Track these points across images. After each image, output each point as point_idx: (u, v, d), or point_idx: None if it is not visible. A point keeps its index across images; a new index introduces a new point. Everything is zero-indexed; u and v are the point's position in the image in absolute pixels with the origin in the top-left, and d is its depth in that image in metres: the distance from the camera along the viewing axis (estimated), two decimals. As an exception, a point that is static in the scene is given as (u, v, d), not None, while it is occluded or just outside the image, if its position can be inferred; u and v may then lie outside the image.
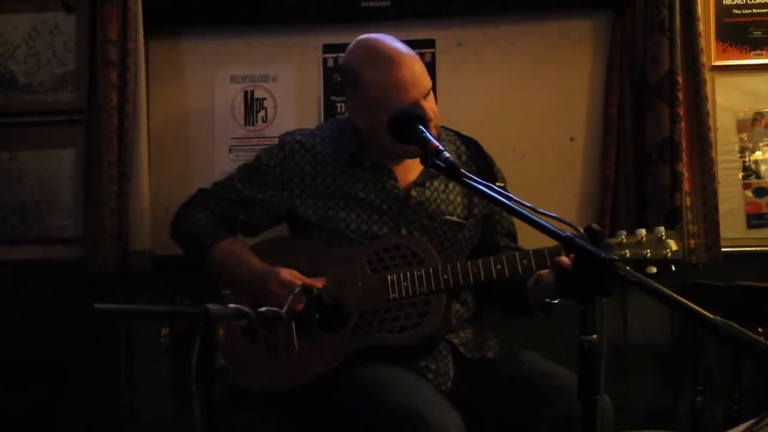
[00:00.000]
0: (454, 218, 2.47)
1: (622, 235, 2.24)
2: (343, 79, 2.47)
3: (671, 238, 2.23)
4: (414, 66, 2.36)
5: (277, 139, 2.58)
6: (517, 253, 2.33)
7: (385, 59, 2.36)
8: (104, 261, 2.85)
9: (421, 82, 2.35)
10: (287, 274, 2.35)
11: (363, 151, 2.45)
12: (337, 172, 2.46)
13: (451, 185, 2.49)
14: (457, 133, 2.61)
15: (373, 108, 2.35)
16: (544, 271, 2.29)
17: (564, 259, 2.18)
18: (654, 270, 2.19)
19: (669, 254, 2.21)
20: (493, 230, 2.56)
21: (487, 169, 2.52)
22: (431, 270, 2.33)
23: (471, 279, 2.32)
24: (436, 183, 2.47)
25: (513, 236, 2.59)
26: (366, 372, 2.25)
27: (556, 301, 2.32)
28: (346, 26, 2.99)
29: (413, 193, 2.44)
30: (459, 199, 2.50)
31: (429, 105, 2.35)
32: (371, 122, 2.38)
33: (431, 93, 2.39)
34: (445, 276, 2.32)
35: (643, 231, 2.24)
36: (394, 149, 2.30)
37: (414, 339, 2.30)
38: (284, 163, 2.49)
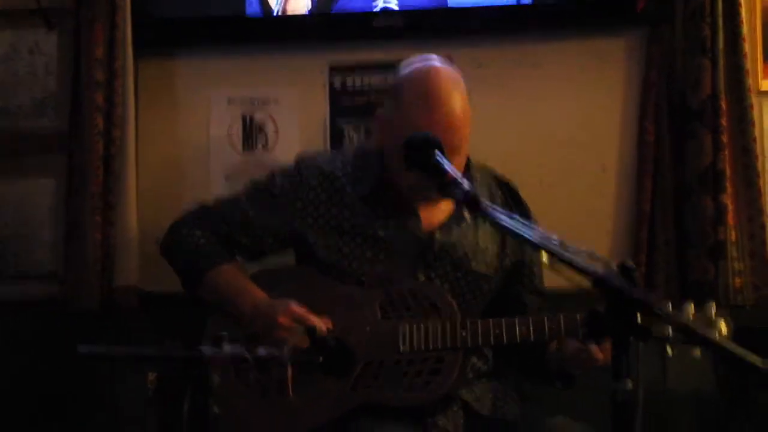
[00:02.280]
0: (482, 269, 2.46)
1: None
2: (389, 88, 2.48)
3: (722, 319, 2.23)
4: (452, 115, 2.32)
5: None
6: (545, 317, 2.30)
7: (432, 94, 2.34)
8: (86, 298, 2.87)
9: (449, 135, 2.27)
10: (297, 306, 2.34)
11: (388, 185, 2.44)
12: (355, 205, 2.45)
13: (480, 232, 2.47)
14: (493, 175, 2.61)
15: (399, 131, 2.30)
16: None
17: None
18: (698, 353, 2.20)
19: (717, 338, 2.22)
20: (519, 284, 2.54)
21: (522, 217, 2.50)
22: (448, 325, 2.31)
23: (492, 340, 2.30)
24: (464, 228, 2.46)
25: (542, 294, 2.57)
26: (371, 429, 2.23)
27: (576, 374, 2.33)
28: (354, 45, 3.03)
29: (437, 236, 2.43)
30: (490, 247, 2.48)
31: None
32: (390, 142, 2.37)
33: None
34: (464, 333, 2.30)
35: (691, 307, 2.25)
36: (403, 178, 2.32)
37: (422, 401, 2.29)
38: (299, 189, 2.48)
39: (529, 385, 2.53)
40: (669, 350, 2.25)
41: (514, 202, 2.56)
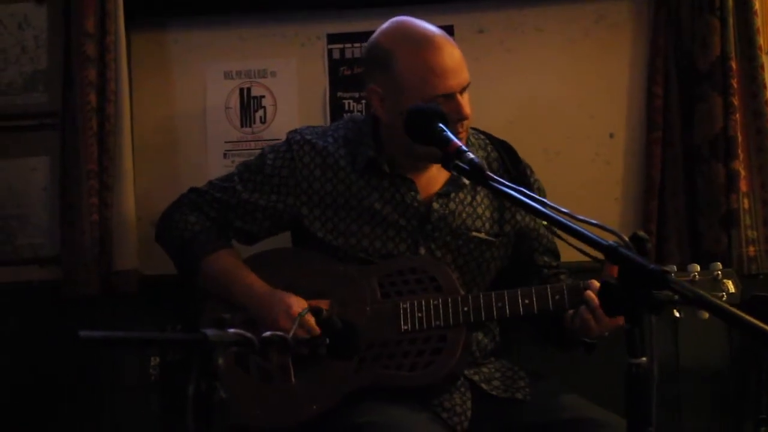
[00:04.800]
0: (482, 235, 2.46)
1: (672, 272, 2.25)
2: (368, 62, 2.47)
3: (728, 278, 2.26)
4: (455, 54, 2.37)
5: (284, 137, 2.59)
6: (549, 287, 2.32)
7: (424, 40, 2.37)
8: (84, 283, 2.87)
9: (461, 73, 2.36)
10: (297, 304, 2.34)
11: (382, 156, 2.45)
12: (350, 179, 2.46)
13: (478, 198, 2.49)
14: (488, 137, 2.61)
15: (404, 94, 2.33)
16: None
17: (590, 293, 2.22)
18: (705, 316, 2.21)
19: (724, 297, 2.25)
20: (530, 248, 2.55)
21: (521, 178, 2.50)
22: (450, 300, 2.32)
23: (494, 314, 2.32)
24: (461, 195, 2.47)
25: (554, 253, 2.59)
26: (370, 416, 2.23)
27: (595, 341, 2.32)
28: (353, 13, 3.01)
29: (435, 205, 2.44)
30: (488, 213, 2.49)
31: (465, 102, 2.36)
32: (397, 112, 2.30)
33: (467, 89, 2.40)
34: (465, 308, 2.31)
35: (696, 268, 2.27)
36: (412, 149, 2.31)
37: (426, 379, 2.30)
38: (291, 165, 2.49)
39: (553, 351, 2.54)
40: (676, 312, 2.26)
41: (512, 162, 2.55)
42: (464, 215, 2.46)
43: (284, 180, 2.49)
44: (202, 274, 2.50)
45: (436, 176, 2.46)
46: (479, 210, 2.48)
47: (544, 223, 2.46)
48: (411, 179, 2.45)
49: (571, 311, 2.32)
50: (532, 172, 2.61)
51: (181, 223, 2.53)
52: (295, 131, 2.57)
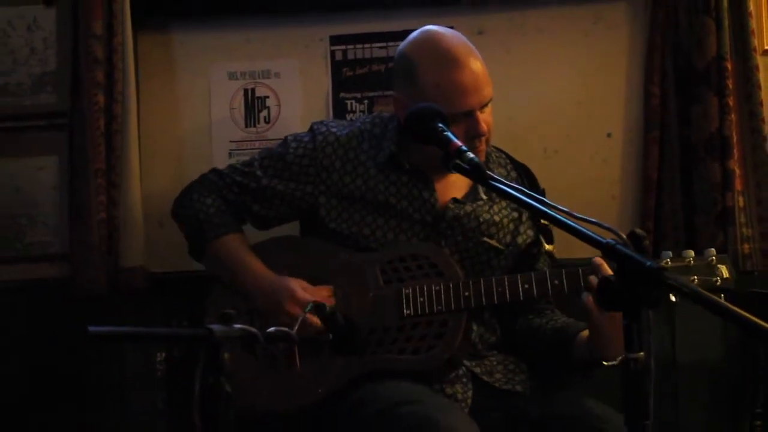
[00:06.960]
0: (493, 242, 2.47)
1: (667, 258, 2.26)
2: (395, 69, 2.48)
3: (722, 264, 2.25)
4: (478, 71, 2.35)
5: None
6: (547, 271, 2.33)
7: (448, 57, 2.35)
8: (93, 279, 2.86)
9: (482, 91, 2.35)
10: (302, 291, 2.36)
11: (403, 153, 2.45)
12: (369, 173, 2.46)
13: (496, 207, 2.49)
14: (509, 157, 2.62)
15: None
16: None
17: (593, 279, 2.18)
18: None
19: (718, 282, 2.23)
20: (527, 265, 2.53)
21: None
22: (451, 285, 2.33)
23: (495, 298, 2.32)
24: (480, 202, 2.48)
25: (552, 257, 2.58)
26: (377, 387, 2.25)
27: (609, 363, 2.23)
28: (355, 15, 3.01)
29: (451, 206, 2.45)
30: (505, 222, 2.50)
31: (485, 117, 2.36)
32: None
33: (489, 104, 2.39)
34: (467, 293, 2.32)
35: (691, 253, 2.26)
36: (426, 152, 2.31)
37: (428, 363, 2.31)
38: (313, 155, 2.49)
39: (558, 380, 2.51)
40: (672, 297, 2.22)
41: (530, 185, 2.56)
42: (480, 220, 2.46)
43: (304, 169, 2.49)
44: (210, 256, 2.52)
45: (455, 184, 2.47)
46: (496, 218, 2.48)
47: (549, 247, 2.48)
48: (431, 179, 2.45)
49: (583, 333, 2.30)
50: (545, 196, 2.59)
51: (197, 203, 2.54)
52: (321, 122, 2.58)
